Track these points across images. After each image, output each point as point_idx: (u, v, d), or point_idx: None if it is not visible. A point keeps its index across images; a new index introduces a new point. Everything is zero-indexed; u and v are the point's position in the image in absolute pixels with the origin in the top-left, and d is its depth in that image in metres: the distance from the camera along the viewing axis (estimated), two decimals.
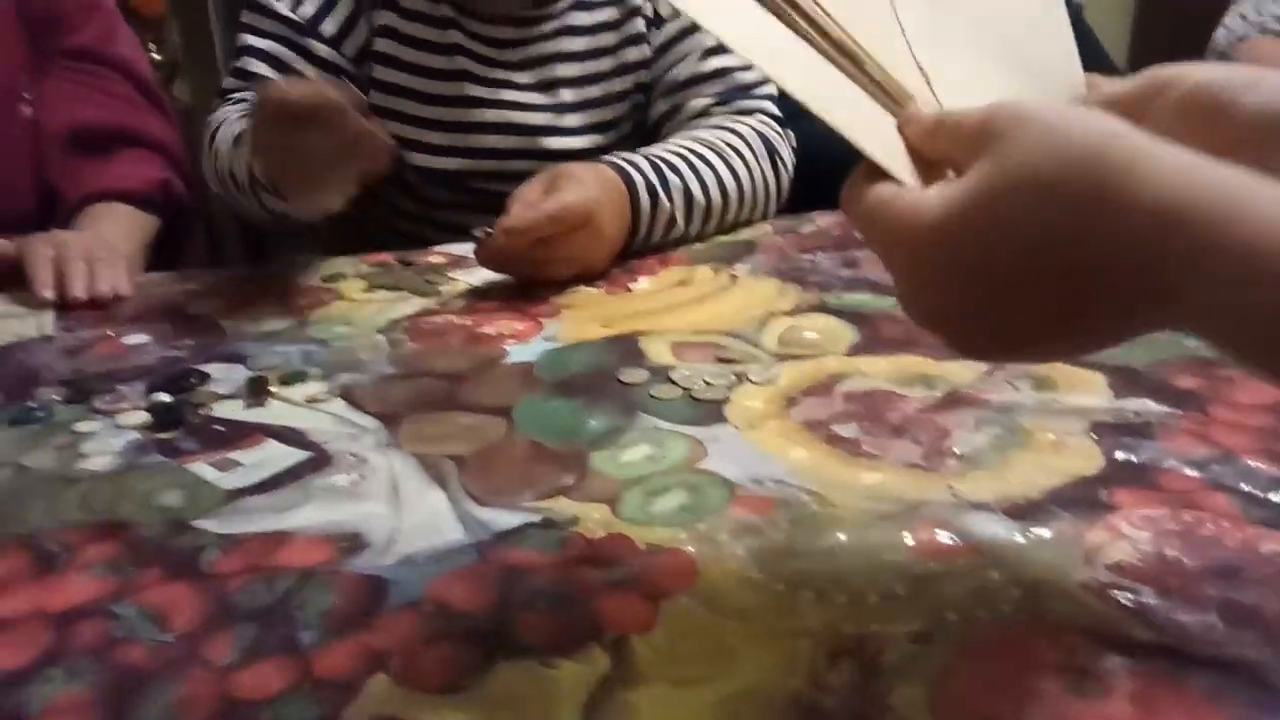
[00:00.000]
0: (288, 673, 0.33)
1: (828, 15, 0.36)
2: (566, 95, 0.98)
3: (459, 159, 0.97)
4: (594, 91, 0.98)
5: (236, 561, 0.39)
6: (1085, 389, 0.53)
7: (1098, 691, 0.31)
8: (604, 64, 0.98)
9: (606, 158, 0.83)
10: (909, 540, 0.40)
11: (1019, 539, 0.40)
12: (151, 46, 1.88)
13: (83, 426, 0.53)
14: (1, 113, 0.97)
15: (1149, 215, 0.25)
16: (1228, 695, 0.31)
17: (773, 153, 0.95)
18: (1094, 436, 0.48)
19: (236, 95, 0.92)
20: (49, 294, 0.75)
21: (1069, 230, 0.27)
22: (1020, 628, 0.34)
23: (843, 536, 0.40)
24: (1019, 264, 0.28)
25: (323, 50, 0.92)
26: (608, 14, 0.98)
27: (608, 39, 0.98)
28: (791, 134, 0.99)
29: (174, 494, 0.45)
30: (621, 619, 0.35)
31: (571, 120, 0.98)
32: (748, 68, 0.98)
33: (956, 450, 0.48)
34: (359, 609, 0.36)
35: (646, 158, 0.85)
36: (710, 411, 0.53)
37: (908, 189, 0.32)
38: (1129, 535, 0.40)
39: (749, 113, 0.96)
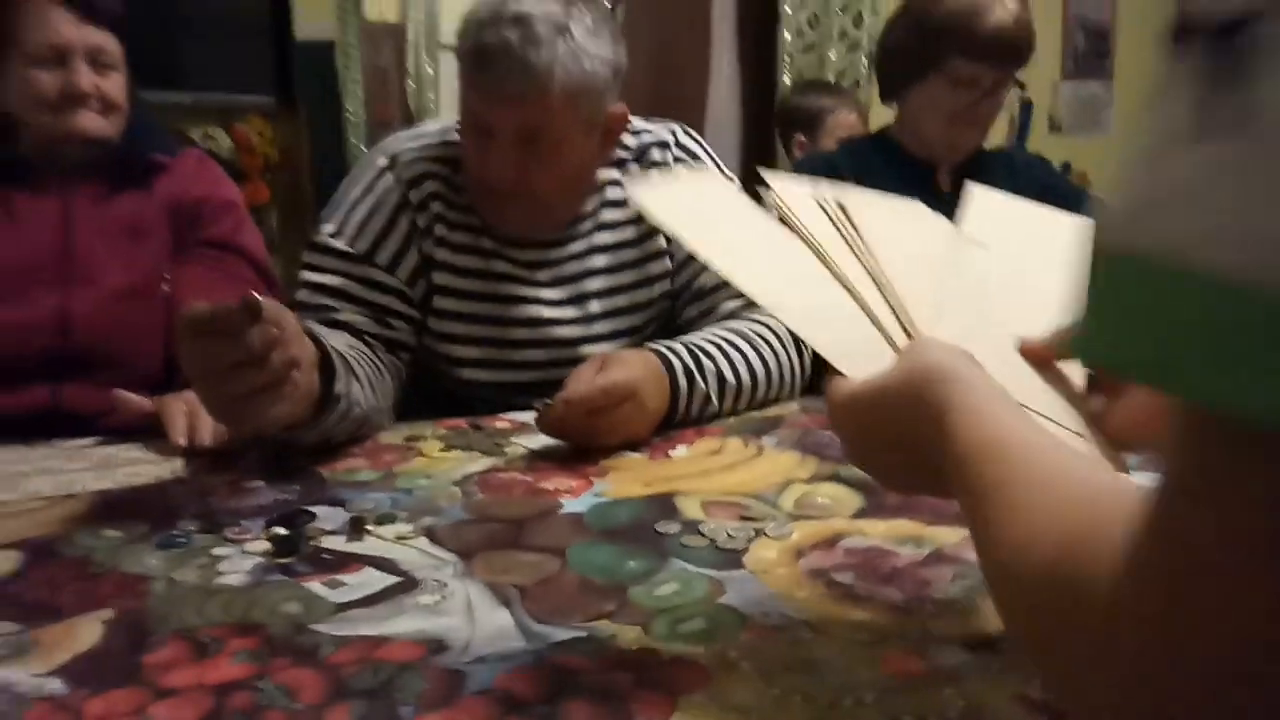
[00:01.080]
0: None
1: (869, 252, 0.52)
2: (595, 306, 1.11)
3: (500, 372, 1.09)
4: (620, 301, 1.12)
5: (347, 655, 0.50)
6: None
7: None
8: (627, 276, 1.12)
9: (650, 344, 0.97)
10: (880, 663, 0.49)
11: (971, 664, 0.49)
12: None
13: (217, 551, 0.65)
14: (146, 292, 1.15)
15: (939, 441, 0.42)
16: None
17: (797, 342, 1.08)
18: None
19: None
20: (182, 442, 0.89)
21: (901, 426, 0.45)
22: None
23: (829, 657, 0.50)
24: (880, 437, 0.47)
25: (380, 275, 1.04)
26: (629, 232, 1.12)
27: (630, 254, 1.12)
28: None
29: (294, 604, 0.56)
30: (648, 710, 0.45)
31: (600, 328, 1.11)
32: None
33: (934, 597, 0.57)
34: (444, 693, 0.46)
35: (685, 345, 0.98)
36: (731, 559, 0.63)
37: (847, 380, 0.49)
38: None
39: None
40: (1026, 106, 3.59)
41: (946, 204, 1.41)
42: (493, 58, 0.94)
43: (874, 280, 0.55)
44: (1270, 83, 0.20)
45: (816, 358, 1.13)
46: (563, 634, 0.52)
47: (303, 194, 2.83)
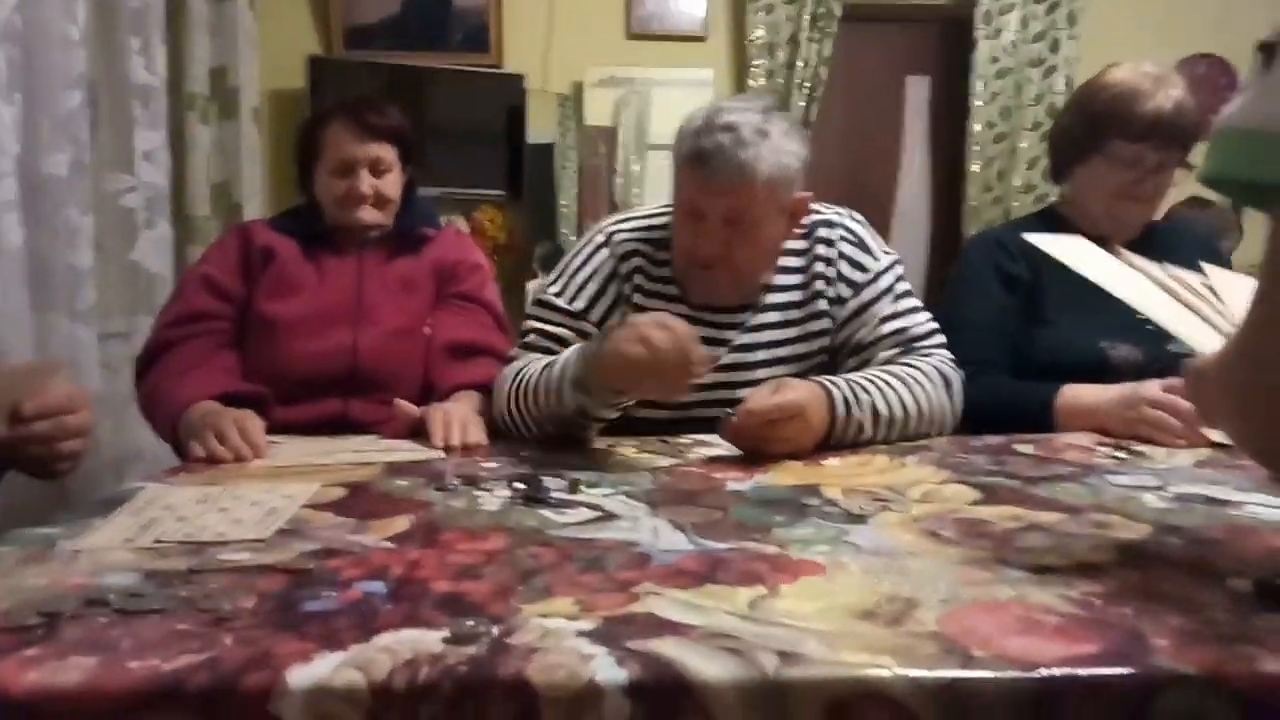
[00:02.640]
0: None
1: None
2: (759, 355, 1.30)
3: (671, 410, 1.26)
4: (782, 352, 1.30)
5: (570, 547, 0.72)
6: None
7: None
8: (791, 332, 1.30)
9: (815, 377, 1.15)
10: (955, 570, 0.64)
11: (1030, 579, 0.63)
12: None
13: (476, 493, 0.89)
14: (414, 332, 1.46)
15: None
16: None
17: (948, 384, 1.23)
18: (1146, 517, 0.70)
19: (519, 362, 1.27)
20: (440, 443, 1.16)
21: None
22: None
23: (918, 568, 0.66)
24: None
25: (590, 329, 1.28)
26: (797, 295, 1.31)
27: (795, 314, 1.31)
28: (963, 374, 1.26)
29: (533, 520, 0.79)
30: (776, 579, 0.63)
31: (761, 374, 1.27)
32: (919, 325, 1.27)
33: (1016, 546, 0.71)
34: (637, 563, 0.66)
35: (845, 379, 1.16)
36: (858, 520, 0.80)
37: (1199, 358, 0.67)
38: None
39: (928, 355, 1.25)
40: None
41: None
42: (710, 157, 1.17)
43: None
44: None
45: (980, 406, 1.27)
46: (721, 545, 0.72)
47: (521, 271, 3.22)
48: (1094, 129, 1.47)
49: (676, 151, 1.23)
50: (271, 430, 1.21)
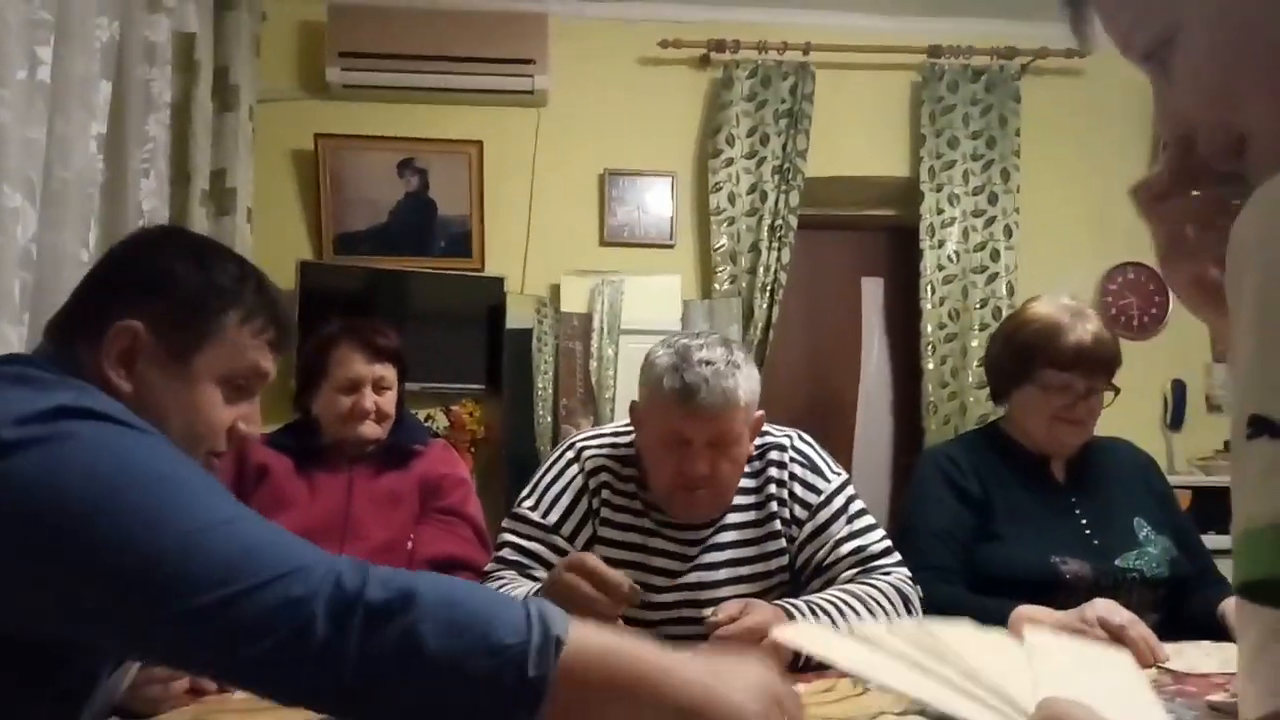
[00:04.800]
0: None
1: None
2: (721, 574, 1.39)
3: (641, 611, 1.32)
4: (743, 570, 1.39)
5: None
6: None
7: None
8: (749, 550, 1.40)
9: (777, 601, 1.22)
10: None
11: None
12: None
13: None
14: (398, 547, 1.52)
15: None
16: None
17: (906, 601, 1.30)
18: None
19: (496, 575, 1.36)
20: None
21: None
22: None
23: None
24: None
25: (562, 543, 1.38)
26: (751, 515, 1.42)
27: (751, 533, 1.41)
28: (921, 581, 1.34)
29: None
30: None
31: (724, 592, 1.36)
32: (875, 543, 1.36)
33: None
34: None
35: (805, 602, 1.23)
36: None
37: None
38: None
39: (887, 572, 1.33)
40: (1180, 386, 3.69)
41: (1062, 493, 1.62)
42: (697, 390, 1.29)
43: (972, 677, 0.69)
44: None
45: (926, 608, 1.33)
46: None
47: (497, 463, 3.30)
48: (1023, 360, 1.61)
49: (653, 387, 1.34)
50: None
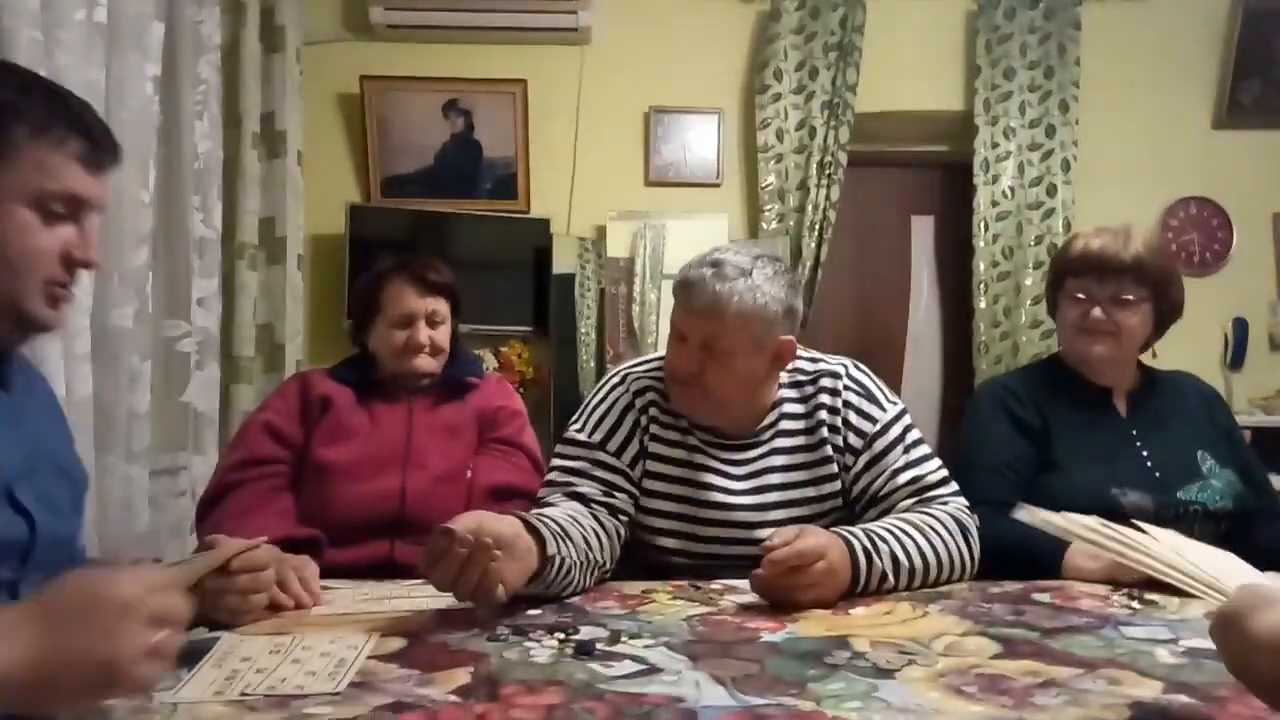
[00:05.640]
0: None
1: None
2: (772, 497, 1.39)
3: (688, 543, 1.37)
4: (794, 494, 1.39)
5: (621, 700, 0.78)
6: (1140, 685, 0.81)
7: None
8: (800, 475, 1.40)
9: (834, 529, 1.22)
10: None
11: None
12: None
13: (527, 644, 0.95)
14: (457, 476, 1.55)
15: None
16: None
17: (964, 531, 1.30)
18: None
19: (544, 500, 1.36)
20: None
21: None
22: None
23: None
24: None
25: (608, 458, 1.38)
26: (801, 440, 1.41)
27: (802, 457, 1.40)
28: (978, 514, 1.33)
29: (583, 674, 0.85)
30: None
31: (775, 515, 1.37)
32: (932, 473, 1.35)
33: (1034, 703, 0.77)
34: (679, 718, 0.73)
35: (864, 530, 1.23)
36: (886, 674, 0.86)
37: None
38: None
39: (944, 502, 1.33)
40: (1241, 325, 3.59)
41: (1124, 425, 1.60)
42: (692, 285, 1.32)
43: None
44: None
45: (994, 554, 1.32)
46: (762, 700, 0.78)
47: (546, 403, 3.33)
48: (1055, 277, 1.65)
49: (674, 282, 1.38)
50: (323, 573, 1.28)
